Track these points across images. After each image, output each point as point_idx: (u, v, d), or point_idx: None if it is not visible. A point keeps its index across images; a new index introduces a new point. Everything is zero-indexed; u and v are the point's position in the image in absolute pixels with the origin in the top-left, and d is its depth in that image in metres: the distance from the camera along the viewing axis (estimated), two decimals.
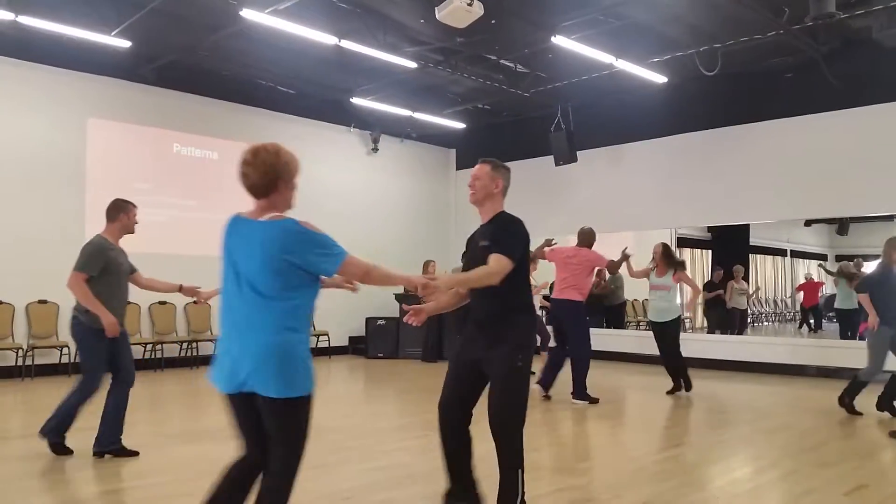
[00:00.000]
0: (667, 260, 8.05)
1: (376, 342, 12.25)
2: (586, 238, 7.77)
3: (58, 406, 4.88)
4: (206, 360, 10.53)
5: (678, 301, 8.32)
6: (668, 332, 8.02)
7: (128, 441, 5.55)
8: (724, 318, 12.54)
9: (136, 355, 9.82)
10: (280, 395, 2.56)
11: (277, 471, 2.64)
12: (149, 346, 10.08)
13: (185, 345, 10.47)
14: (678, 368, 8.03)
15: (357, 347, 12.65)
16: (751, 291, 13.46)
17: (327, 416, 7.22)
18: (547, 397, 7.54)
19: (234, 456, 2.79)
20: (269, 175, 2.65)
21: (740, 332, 12.35)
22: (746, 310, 13.00)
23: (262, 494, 2.66)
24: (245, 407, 2.68)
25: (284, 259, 2.56)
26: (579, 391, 7.39)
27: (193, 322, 10.67)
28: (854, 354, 9.65)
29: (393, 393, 8.95)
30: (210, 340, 10.66)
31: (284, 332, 2.59)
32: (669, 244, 10.52)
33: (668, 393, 8.02)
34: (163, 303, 10.39)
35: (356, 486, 4.27)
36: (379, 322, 12.27)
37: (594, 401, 7.37)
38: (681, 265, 8.18)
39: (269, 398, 2.57)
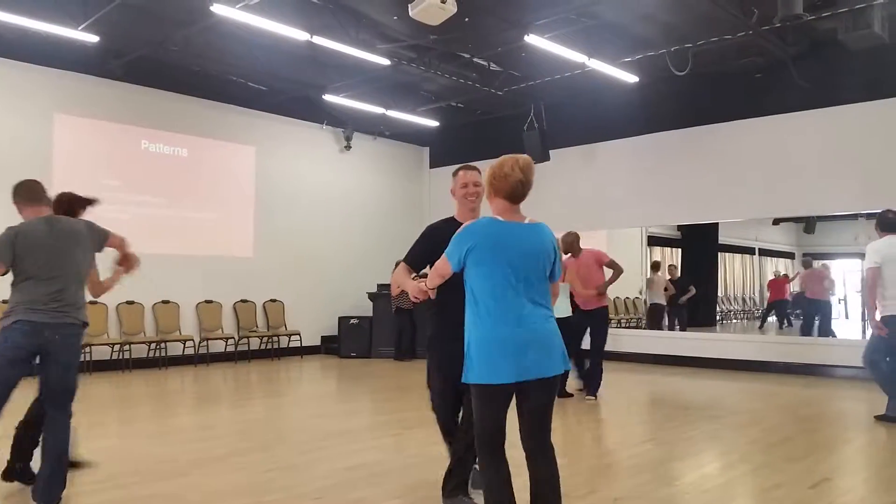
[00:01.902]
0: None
1: (349, 341, 12.19)
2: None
3: (52, 454, 3.78)
4: (174, 361, 10.46)
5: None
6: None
7: (97, 442, 5.47)
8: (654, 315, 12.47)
9: (104, 356, 9.79)
10: None
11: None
12: (116, 347, 9.92)
13: (153, 345, 10.32)
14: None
15: (330, 347, 12.58)
16: (668, 287, 12.77)
17: (299, 415, 7.18)
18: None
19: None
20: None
21: (657, 328, 12.23)
22: (663, 305, 12.71)
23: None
24: None
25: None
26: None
27: (162, 322, 10.52)
28: (817, 350, 9.87)
29: (365, 392, 8.91)
30: (178, 340, 10.52)
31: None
32: (642, 242, 10.64)
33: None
34: (131, 302, 10.23)
35: (328, 486, 4.24)
36: (352, 321, 12.22)
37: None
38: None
39: None
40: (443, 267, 3.03)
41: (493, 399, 2.85)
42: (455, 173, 3.94)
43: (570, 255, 7.59)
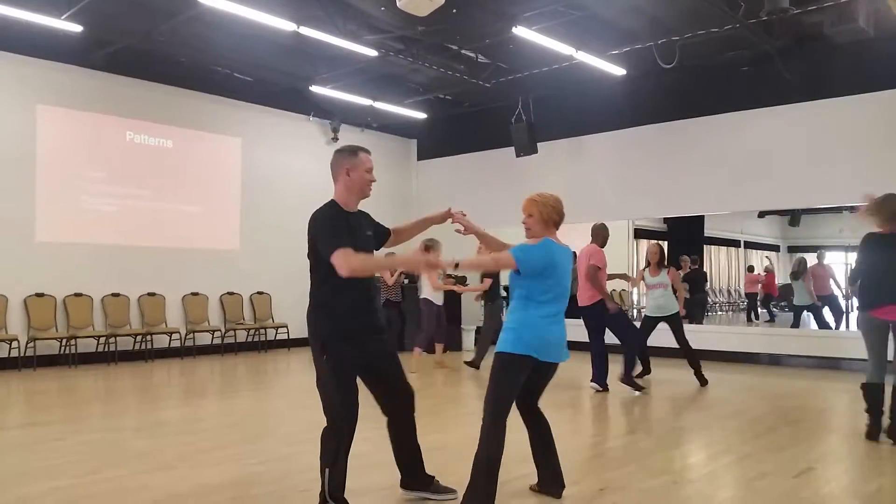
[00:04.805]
0: (661, 260, 8.30)
1: None
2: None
3: None
4: (160, 353, 10.40)
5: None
6: (677, 324, 8.20)
7: (82, 435, 5.45)
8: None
9: (89, 348, 9.72)
10: None
11: None
12: (102, 339, 9.85)
13: (139, 338, 10.26)
14: (693, 359, 8.20)
15: None
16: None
17: (286, 407, 7.17)
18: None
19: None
20: None
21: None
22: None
23: None
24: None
25: None
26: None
27: (148, 314, 10.45)
28: (803, 342, 9.98)
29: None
30: (165, 333, 10.46)
31: None
32: (629, 234, 10.71)
33: (637, 376, 8.05)
34: (116, 295, 10.16)
35: (314, 478, 4.22)
36: None
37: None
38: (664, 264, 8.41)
39: None
40: (507, 263, 3.61)
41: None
42: (355, 153, 3.60)
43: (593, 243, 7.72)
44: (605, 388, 7.58)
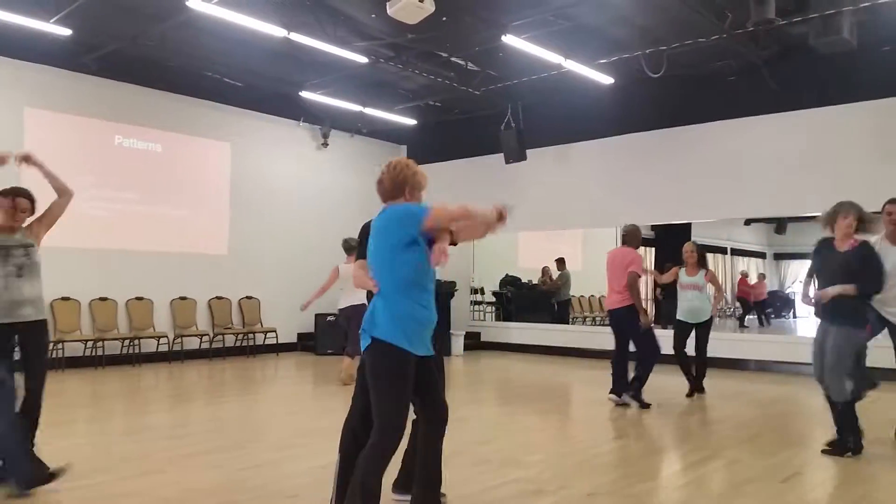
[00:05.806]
0: (700, 259, 7.86)
1: (325, 338, 12.15)
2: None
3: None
4: (147, 358, 10.34)
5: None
6: (705, 332, 7.79)
7: (69, 440, 5.41)
8: None
9: (76, 353, 9.66)
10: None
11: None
12: (89, 343, 9.79)
13: (126, 342, 10.20)
14: (704, 369, 7.88)
15: (306, 344, 12.53)
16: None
17: (274, 413, 7.15)
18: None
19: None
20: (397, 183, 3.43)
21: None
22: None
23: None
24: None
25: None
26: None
27: (135, 319, 10.40)
28: (789, 348, 10.05)
29: (341, 389, 8.89)
30: (152, 337, 10.40)
31: None
32: (616, 241, 10.71)
33: (688, 395, 7.75)
34: (104, 299, 10.11)
35: (303, 484, 4.24)
36: (328, 318, 12.16)
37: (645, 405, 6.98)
38: (706, 265, 7.94)
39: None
40: None
41: None
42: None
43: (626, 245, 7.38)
44: (623, 401, 7.07)
